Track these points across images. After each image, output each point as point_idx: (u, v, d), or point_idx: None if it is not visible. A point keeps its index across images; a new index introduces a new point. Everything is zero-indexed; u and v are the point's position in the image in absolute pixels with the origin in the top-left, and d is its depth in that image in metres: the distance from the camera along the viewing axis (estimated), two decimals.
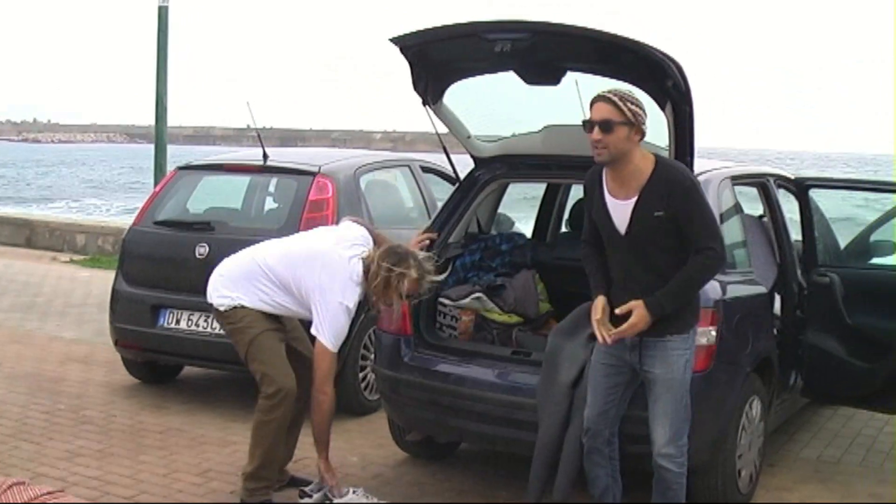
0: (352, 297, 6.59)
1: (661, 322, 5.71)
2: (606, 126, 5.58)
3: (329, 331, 6.54)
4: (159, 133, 16.88)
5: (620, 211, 5.73)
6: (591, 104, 5.68)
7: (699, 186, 5.83)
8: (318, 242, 6.83)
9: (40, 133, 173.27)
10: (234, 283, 6.77)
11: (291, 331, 6.89)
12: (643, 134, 5.70)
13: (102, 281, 14.99)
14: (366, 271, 6.63)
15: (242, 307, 6.69)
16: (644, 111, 5.70)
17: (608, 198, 5.78)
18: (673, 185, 5.66)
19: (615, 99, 5.61)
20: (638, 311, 5.58)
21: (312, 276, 6.60)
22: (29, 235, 19.94)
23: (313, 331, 6.62)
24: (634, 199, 5.68)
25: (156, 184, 16.12)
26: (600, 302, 5.85)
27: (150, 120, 17.71)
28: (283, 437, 6.80)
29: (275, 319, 6.78)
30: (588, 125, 5.65)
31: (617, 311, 5.67)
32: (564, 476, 6.17)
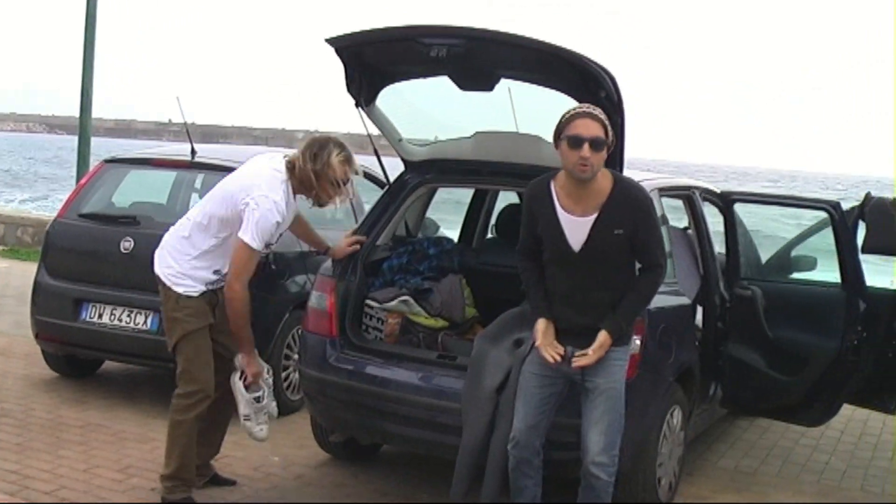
0: (278, 193, 6.45)
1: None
2: (597, 145, 5.57)
3: (253, 227, 6.38)
4: (84, 124, 16.69)
5: (577, 228, 5.71)
6: (573, 119, 5.63)
7: (654, 205, 5.92)
8: (237, 171, 6.84)
9: None
10: (176, 261, 6.72)
11: (219, 324, 6.82)
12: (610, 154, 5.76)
13: (21, 272, 14.91)
14: (290, 169, 6.56)
15: (189, 297, 6.63)
16: None
17: (562, 213, 5.75)
18: (634, 203, 5.71)
19: (603, 118, 5.64)
20: (604, 340, 5.67)
21: (237, 182, 6.58)
22: None
23: (240, 234, 6.47)
24: (594, 216, 5.68)
25: (79, 176, 16.02)
26: (542, 325, 5.87)
27: (70, 111, 17.55)
28: (195, 437, 6.73)
29: (210, 313, 6.71)
30: (575, 141, 5.57)
31: (576, 360, 5.74)
32: (492, 480, 6.19)
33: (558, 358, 5.80)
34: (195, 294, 6.64)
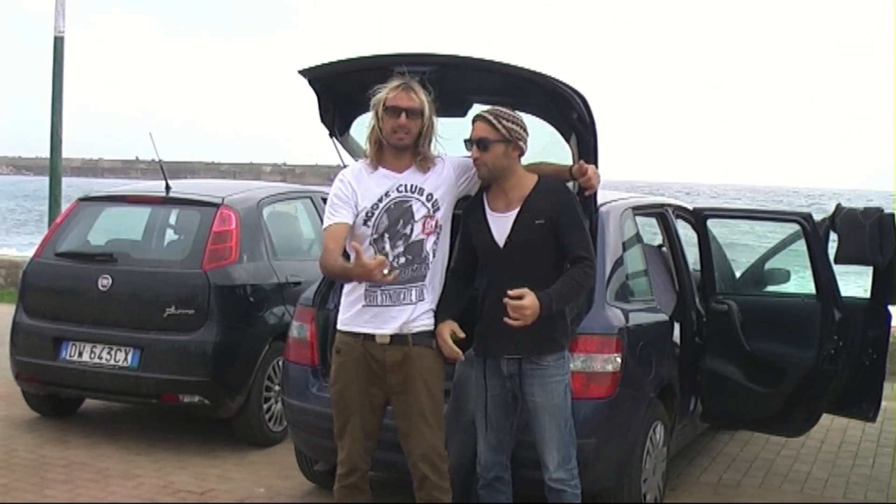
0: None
1: (536, 343, 5.80)
2: (483, 144, 5.75)
3: None
4: (54, 165, 16.65)
5: (501, 223, 5.85)
6: (472, 123, 5.85)
7: (575, 198, 5.98)
8: None
9: None
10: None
11: None
12: (522, 151, 5.84)
13: None
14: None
15: None
16: (523, 128, 5.84)
17: (489, 212, 5.91)
18: (555, 195, 5.83)
19: (490, 118, 5.78)
20: (530, 297, 5.56)
21: None
22: None
23: None
24: (517, 209, 5.82)
25: (51, 216, 16.01)
26: (439, 331, 5.84)
27: (36, 152, 17.59)
28: None
29: None
30: (467, 144, 5.82)
31: (510, 292, 5.59)
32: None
33: (459, 355, 5.83)
34: None
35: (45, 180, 17.76)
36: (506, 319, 5.60)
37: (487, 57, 6.28)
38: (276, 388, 8.82)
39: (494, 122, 5.76)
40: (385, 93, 5.75)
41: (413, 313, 5.78)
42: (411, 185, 5.82)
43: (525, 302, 5.53)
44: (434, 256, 5.82)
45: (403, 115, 5.71)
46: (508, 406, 5.99)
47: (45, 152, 16.87)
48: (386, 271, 5.50)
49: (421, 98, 5.76)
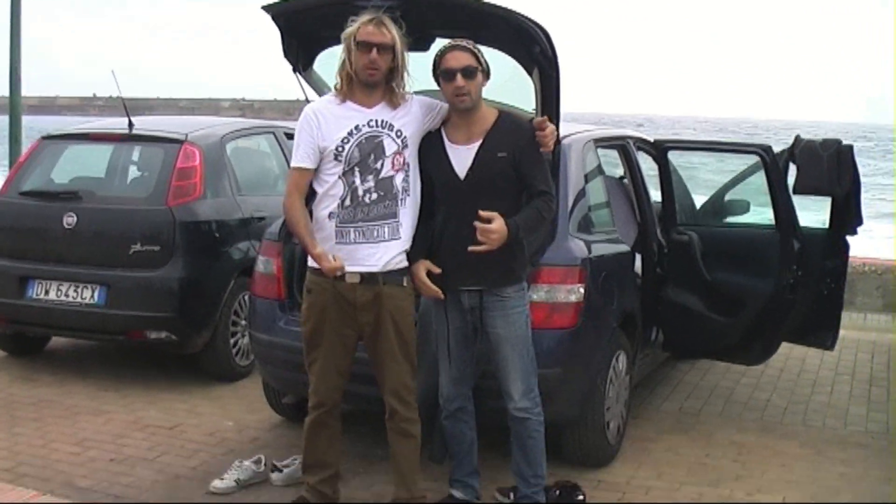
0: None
1: (497, 275, 5.87)
2: (469, 73, 5.75)
3: None
4: (14, 104, 16.49)
5: (462, 156, 5.87)
6: (444, 54, 5.83)
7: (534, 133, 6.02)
8: None
9: None
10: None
11: None
12: (488, 79, 5.90)
13: None
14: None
15: None
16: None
17: (449, 145, 5.93)
18: (517, 130, 5.87)
19: (471, 47, 5.82)
20: (499, 221, 5.62)
21: None
22: None
23: None
24: (478, 142, 5.86)
25: (11, 155, 15.92)
26: (415, 270, 5.92)
27: None
28: None
29: None
30: (448, 73, 5.78)
31: (481, 212, 5.63)
32: (442, 437, 6.39)
33: (439, 294, 5.92)
34: None
35: (3, 119, 17.64)
36: (471, 248, 5.66)
37: None
38: (243, 322, 8.90)
39: (475, 51, 5.80)
40: (356, 27, 5.74)
41: (386, 252, 5.83)
42: (382, 121, 5.83)
43: (493, 226, 5.59)
44: (404, 193, 5.85)
45: (374, 50, 5.70)
46: (469, 338, 6.08)
47: (0, 91, 16.71)
48: (349, 279, 5.76)
49: (392, 33, 5.74)
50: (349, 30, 5.77)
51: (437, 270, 5.90)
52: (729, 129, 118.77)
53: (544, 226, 6.04)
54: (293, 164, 5.88)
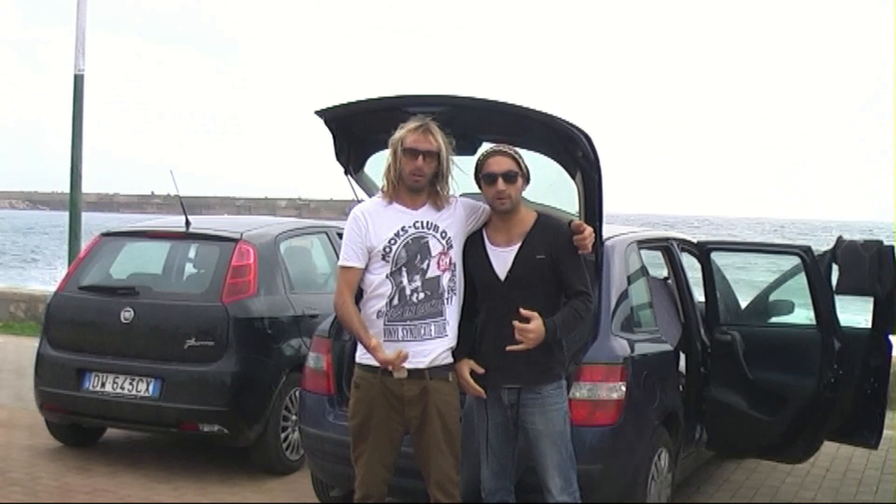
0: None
1: (535, 373, 6.02)
2: (510, 177, 5.97)
3: None
4: (74, 201, 16.89)
5: (502, 257, 6.07)
6: (486, 158, 6.05)
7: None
8: None
9: None
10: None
11: None
12: (528, 184, 6.11)
13: (16, 347, 15.17)
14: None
15: None
16: None
17: (489, 247, 6.12)
18: (555, 232, 6.06)
19: (512, 153, 6.04)
20: (537, 321, 5.80)
21: None
22: None
23: None
24: (518, 244, 6.05)
25: (71, 250, 16.29)
26: (458, 368, 6.11)
27: (52, 186, 17.81)
28: None
29: None
30: (489, 178, 5.99)
31: (521, 311, 5.81)
32: None
33: (481, 393, 6.09)
34: None
35: (61, 215, 18.03)
36: (509, 347, 5.83)
37: (497, 98, 6.52)
38: (293, 417, 9.04)
39: (517, 156, 6.02)
40: (403, 133, 5.97)
41: (434, 350, 6.00)
42: (427, 222, 6.04)
43: (531, 325, 5.77)
44: (450, 293, 6.04)
45: (420, 157, 5.93)
46: (509, 433, 6.20)
47: (60, 187, 17.14)
48: (396, 374, 5.92)
49: (438, 140, 5.97)
50: (396, 135, 5.99)
51: (481, 371, 6.07)
52: (786, 230, 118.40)
53: (582, 325, 6.20)
54: (341, 263, 6.08)
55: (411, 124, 6.01)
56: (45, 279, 36.18)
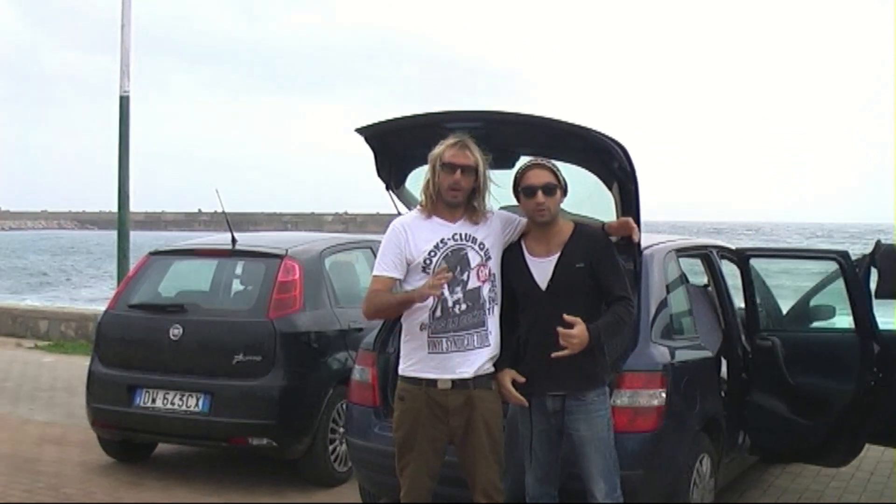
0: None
1: (579, 380, 6.13)
2: (549, 189, 6.09)
3: None
4: (122, 220, 17.11)
5: (542, 267, 6.17)
6: (525, 171, 6.15)
7: (611, 242, 6.34)
8: None
9: None
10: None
11: None
12: (565, 196, 6.22)
13: (68, 365, 15.39)
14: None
15: None
16: None
17: (528, 258, 6.23)
18: (594, 240, 6.18)
19: (550, 166, 6.16)
20: (580, 327, 5.90)
21: None
22: None
23: None
24: (557, 254, 6.16)
25: (119, 269, 16.51)
26: (500, 378, 6.21)
27: (100, 206, 18.05)
28: None
29: None
30: (529, 190, 6.11)
31: (565, 317, 5.91)
32: None
33: (523, 402, 6.19)
34: None
35: (109, 234, 18.26)
36: (554, 354, 5.94)
37: (533, 112, 6.63)
38: (341, 430, 9.17)
39: (555, 169, 6.14)
40: (442, 149, 6.09)
41: (477, 359, 6.11)
42: (465, 234, 6.16)
43: (575, 331, 5.87)
44: (491, 303, 6.15)
45: (458, 171, 6.04)
46: (553, 440, 6.30)
47: (108, 206, 17.41)
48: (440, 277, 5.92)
49: (476, 156, 6.09)
50: (435, 151, 6.12)
51: (522, 380, 6.17)
52: (836, 235, 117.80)
53: (624, 329, 6.31)
54: (377, 272, 6.21)
55: (449, 140, 6.13)
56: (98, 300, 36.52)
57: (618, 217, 6.71)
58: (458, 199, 6.12)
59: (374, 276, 6.25)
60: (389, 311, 6.34)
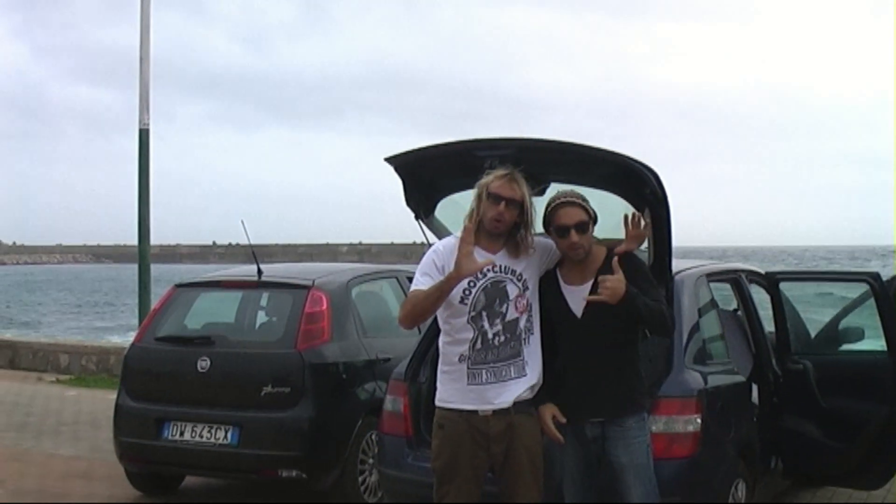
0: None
1: (618, 406, 6.11)
2: (582, 227, 6.05)
3: None
4: (143, 254, 17.13)
5: (577, 296, 6.14)
6: (556, 209, 6.10)
7: (644, 261, 6.36)
8: None
9: (6, 255, 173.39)
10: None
11: None
12: (595, 224, 6.18)
13: (90, 399, 15.38)
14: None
15: None
16: None
17: (564, 286, 6.22)
18: (626, 262, 6.07)
19: (581, 202, 6.10)
20: (619, 275, 5.85)
21: None
22: (12, 357, 20.16)
23: None
24: (591, 281, 6.11)
25: (141, 302, 16.51)
26: (541, 413, 6.19)
27: (115, 239, 18.04)
28: None
29: None
30: (562, 230, 6.07)
31: (600, 279, 5.86)
32: None
33: (561, 440, 6.16)
34: None
35: (125, 268, 18.27)
36: (589, 297, 5.94)
37: (564, 139, 6.61)
38: (370, 461, 9.14)
39: (586, 205, 6.09)
40: (490, 179, 6.07)
41: (515, 389, 6.09)
42: (505, 266, 6.14)
43: (612, 277, 5.83)
44: (527, 333, 6.13)
45: (503, 203, 6.02)
46: (592, 467, 6.26)
47: (124, 240, 17.45)
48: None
49: (522, 190, 6.06)
50: (483, 180, 6.10)
51: (563, 420, 6.13)
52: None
53: (660, 318, 6.09)
54: (414, 287, 6.15)
55: (499, 171, 6.10)
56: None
57: (650, 243, 6.70)
58: (499, 230, 6.10)
59: (411, 292, 6.21)
60: (427, 304, 6.13)
